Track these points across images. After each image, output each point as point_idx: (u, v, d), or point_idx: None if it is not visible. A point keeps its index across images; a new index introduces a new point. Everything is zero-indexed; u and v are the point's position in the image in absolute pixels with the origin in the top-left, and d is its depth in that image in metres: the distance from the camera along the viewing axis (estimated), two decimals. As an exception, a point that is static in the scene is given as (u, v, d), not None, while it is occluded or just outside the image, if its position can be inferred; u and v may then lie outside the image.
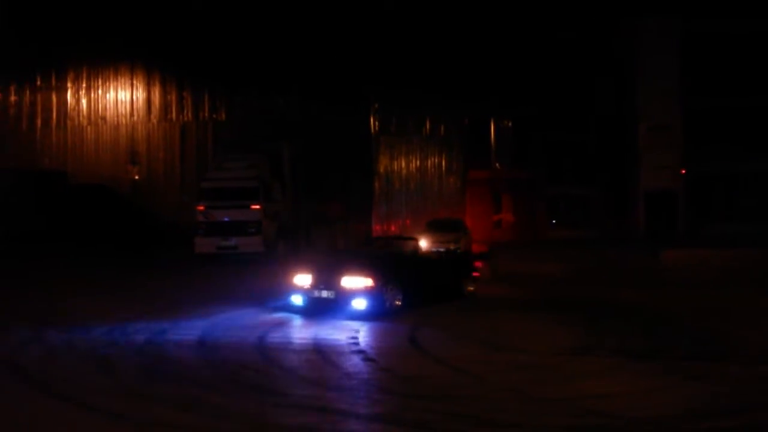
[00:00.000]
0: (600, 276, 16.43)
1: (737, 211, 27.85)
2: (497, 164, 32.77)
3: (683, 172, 27.91)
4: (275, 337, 9.03)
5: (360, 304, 10.18)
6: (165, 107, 28.29)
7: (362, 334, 9.24)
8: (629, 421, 5.70)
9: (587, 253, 20.96)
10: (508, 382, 6.92)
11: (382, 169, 28.13)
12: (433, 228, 23.31)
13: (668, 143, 27.74)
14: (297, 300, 10.77)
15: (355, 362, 7.73)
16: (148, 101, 28.36)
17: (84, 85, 28.80)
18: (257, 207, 19.42)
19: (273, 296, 11.81)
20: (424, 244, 22.68)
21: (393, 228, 28.50)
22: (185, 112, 28.15)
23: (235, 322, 10.05)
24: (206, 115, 27.97)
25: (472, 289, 12.52)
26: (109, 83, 28.61)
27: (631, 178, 28.88)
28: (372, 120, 27.70)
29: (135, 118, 28.43)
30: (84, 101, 28.78)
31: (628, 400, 6.30)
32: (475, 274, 12.80)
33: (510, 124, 32.66)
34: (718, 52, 27.98)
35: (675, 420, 5.75)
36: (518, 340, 9.00)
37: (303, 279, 10.78)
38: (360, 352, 8.20)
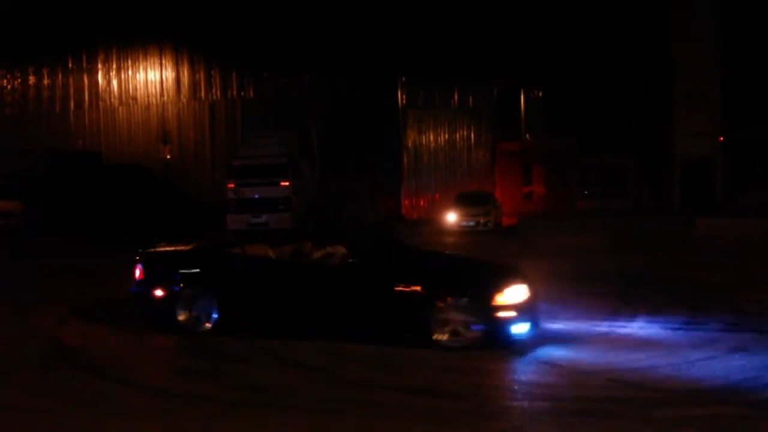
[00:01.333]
0: (635, 247, 16.15)
1: (778, 179, 26.94)
2: (528, 135, 32.26)
3: (721, 139, 27.09)
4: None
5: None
6: (194, 86, 28.48)
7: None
8: (668, 393, 5.62)
9: (621, 223, 20.61)
10: (543, 354, 6.87)
11: (410, 144, 27.96)
12: (462, 202, 23.16)
13: (705, 109, 26.91)
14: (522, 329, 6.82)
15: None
16: (177, 81, 28.56)
17: (114, 66, 29.13)
18: (286, 184, 19.56)
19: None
20: (454, 217, 22.72)
21: (422, 203, 28.40)
22: (214, 90, 28.30)
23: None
24: (235, 93, 28.08)
25: None
26: (139, 64, 28.87)
27: (667, 146, 28.16)
28: (399, 94, 27.47)
29: (165, 97, 28.69)
30: (115, 82, 29.14)
31: (667, 372, 6.20)
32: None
33: (540, 93, 32.03)
34: (758, 11, 26.85)
35: (714, 392, 5.65)
36: (552, 312, 8.92)
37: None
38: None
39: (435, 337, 6.70)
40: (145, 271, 7.62)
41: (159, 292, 7.44)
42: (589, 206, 28.15)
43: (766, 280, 11.25)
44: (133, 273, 7.75)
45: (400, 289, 6.82)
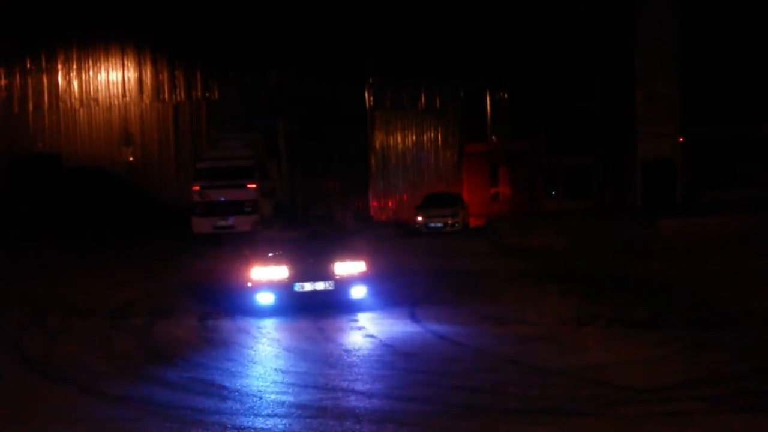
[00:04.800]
0: (598, 247, 16.42)
1: (737, 178, 27.70)
2: (494, 137, 32.55)
3: (681, 140, 27.76)
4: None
5: (359, 292, 9.29)
6: (157, 87, 27.97)
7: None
8: (632, 391, 5.70)
9: (585, 224, 20.94)
10: (510, 354, 6.91)
11: (378, 145, 27.95)
12: (430, 203, 23.23)
13: (666, 111, 27.54)
14: (266, 299, 9.16)
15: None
16: (140, 81, 28.02)
17: (75, 66, 28.43)
18: (253, 186, 19.32)
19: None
20: (422, 219, 22.78)
21: (390, 204, 28.43)
22: (178, 91, 27.84)
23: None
24: (199, 94, 27.66)
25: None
26: (100, 64, 28.24)
27: (629, 147, 28.73)
28: (367, 95, 27.44)
29: (127, 98, 28.12)
30: (75, 83, 28.45)
31: (630, 370, 6.30)
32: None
33: (506, 95, 32.35)
34: (719, 13, 27.53)
35: (675, 389, 5.76)
36: (519, 313, 9.00)
37: (272, 272, 9.16)
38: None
39: None
40: None
41: None
42: (555, 206, 28.53)
43: (722, 277, 11.54)
44: None
45: None
